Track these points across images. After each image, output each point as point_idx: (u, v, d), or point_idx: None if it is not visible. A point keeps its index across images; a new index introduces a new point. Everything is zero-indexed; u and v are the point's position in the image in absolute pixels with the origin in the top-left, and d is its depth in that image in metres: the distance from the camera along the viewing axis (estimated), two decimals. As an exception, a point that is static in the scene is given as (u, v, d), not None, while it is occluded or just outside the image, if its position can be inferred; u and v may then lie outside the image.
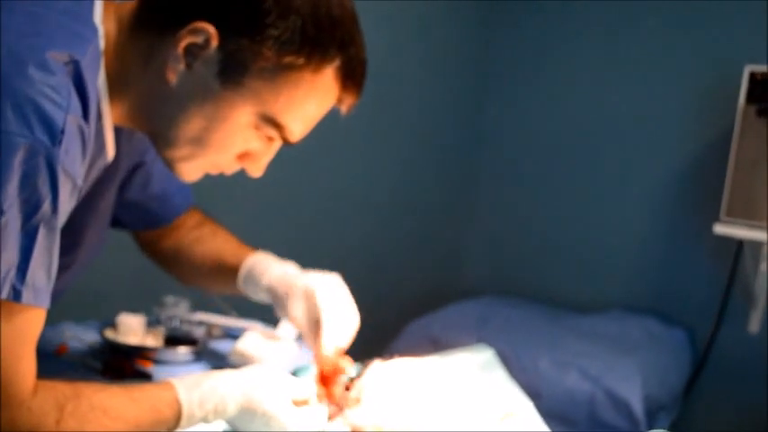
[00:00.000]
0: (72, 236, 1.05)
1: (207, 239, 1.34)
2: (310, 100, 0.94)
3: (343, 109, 1.00)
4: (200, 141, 0.94)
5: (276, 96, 0.92)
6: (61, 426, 0.83)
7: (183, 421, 0.94)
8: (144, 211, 1.29)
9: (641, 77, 2.59)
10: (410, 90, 2.73)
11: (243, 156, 0.99)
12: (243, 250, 1.31)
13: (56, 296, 0.90)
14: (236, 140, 0.95)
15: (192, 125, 0.92)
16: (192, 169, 0.98)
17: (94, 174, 1.02)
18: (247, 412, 0.97)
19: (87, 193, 1.04)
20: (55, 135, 0.79)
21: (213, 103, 0.91)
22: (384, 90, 2.58)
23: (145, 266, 1.43)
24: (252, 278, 1.26)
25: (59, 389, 0.85)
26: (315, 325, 1.18)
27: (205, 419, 0.96)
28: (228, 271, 1.29)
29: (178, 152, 0.95)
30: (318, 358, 1.15)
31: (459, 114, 2.96)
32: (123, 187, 1.21)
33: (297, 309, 1.20)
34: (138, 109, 0.95)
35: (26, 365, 0.82)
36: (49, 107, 0.79)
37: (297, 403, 1.01)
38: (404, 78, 2.68)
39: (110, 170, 1.08)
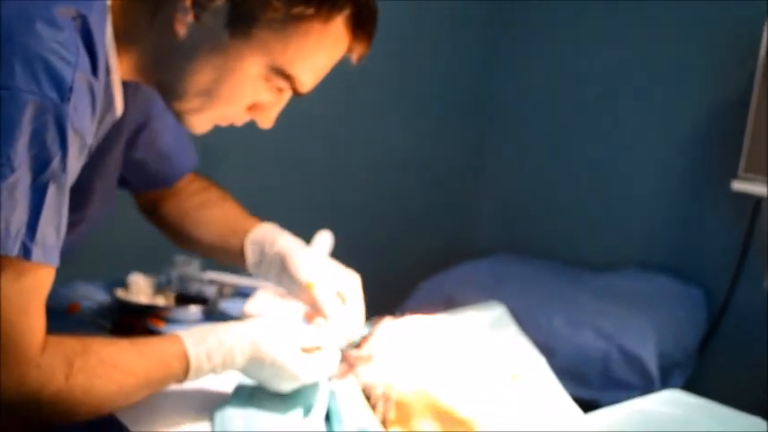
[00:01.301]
0: (80, 193, 1.05)
1: (213, 204, 1.32)
2: (320, 50, 0.93)
3: (354, 58, 0.99)
4: (209, 93, 0.93)
5: (285, 47, 0.91)
6: (70, 381, 0.84)
7: (192, 374, 0.94)
8: (149, 170, 1.28)
9: (659, 33, 2.54)
10: (423, 50, 2.71)
11: (252, 107, 0.98)
12: (250, 219, 1.29)
13: (65, 254, 0.90)
14: (245, 92, 0.94)
15: (201, 77, 0.92)
16: (201, 121, 0.98)
17: (103, 130, 1.01)
18: (255, 362, 0.97)
19: (95, 151, 1.03)
20: (64, 92, 0.78)
21: (222, 55, 0.91)
22: (397, 51, 2.56)
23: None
24: (261, 245, 1.23)
25: (68, 344, 0.86)
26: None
27: (214, 371, 0.96)
28: (234, 238, 1.26)
29: (188, 104, 0.95)
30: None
31: (472, 73, 2.93)
32: (129, 146, 1.20)
33: (318, 277, 1.17)
34: (146, 62, 0.95)
35: (35, 323, 0.83)
36: (57, 63, 0.79)
37: (306, 351, 1.00)
38: (416, 39, 2.65)
39: (117, 127, 1.07)
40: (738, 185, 2.17)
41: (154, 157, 1.25)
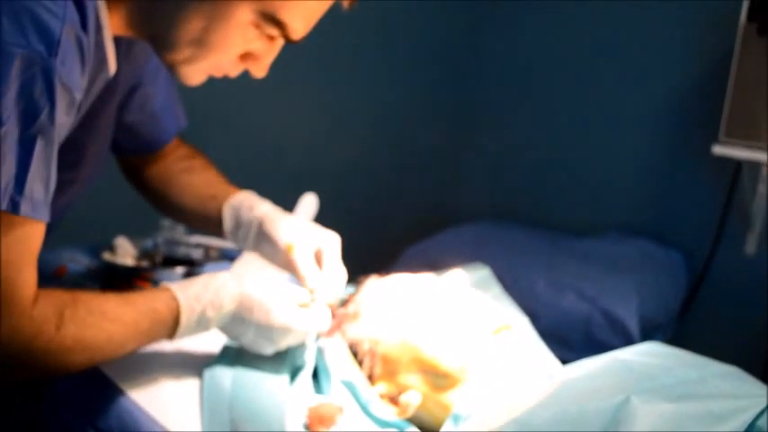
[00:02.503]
0: (74, 152, 1.05)
1: (196, 171, 1.32)
2: None
3: (345, 4, 0.98)
4: (200, 42, 0.92)
5: None
6: (61, 331, 0.85)
7: (183, 316, 0.95)
8: (139, 133, 1.27)
9: (640, -1, 2.55)
10: (408, 14, 2.69)
11: (245, 56, 0.97)
12: (231, 187, 1.28)
13: (59, 214, 0.90)
14: (236, 40, 0.93)
15: (192, 26, 0.91)
16: (194, 72, 0.97)
17: (96, 89, 1.01)
18: (244, 308, 0.98)
19: (88, 110, 1.03)
20: (52, 45, 0.78)
21: (211, 2, 0.90)
22: (384, 14, 2.54)
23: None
24: (239, 211, 1.22)
25: (58, 296, 0.87)
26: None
27: (203, 316, 0.96)
28: (213, 204, 1.26)
29: (180, 54, 0.94)
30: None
31: (457, 38, 2.92)
32: (120, 108, 1.20)
33: (298, 238, 1.16)
34: (136, 14, 0.94)
35: (27, 276, 0.83)
36: (45, 16, 0.78)
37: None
38: (403, 3, 2.63)
39: (110, 88, 1.07)
40: (719, 150, 2.18)
41: (144, 119, 1.25)
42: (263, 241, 1.19)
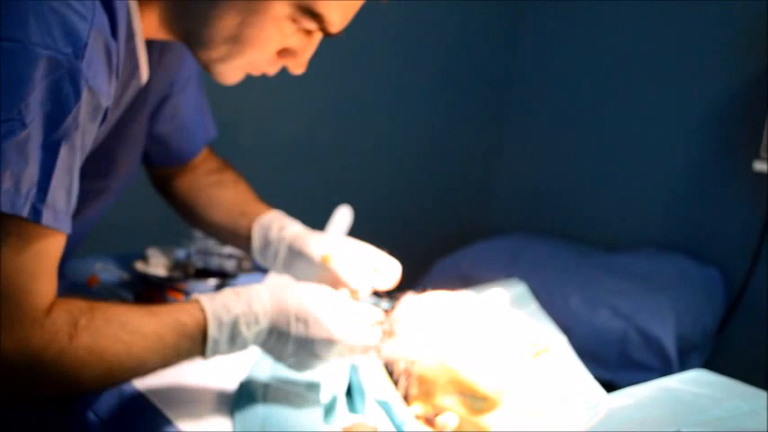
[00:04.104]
0: (105, 161, 1.04)
1: (226, 185, 1.30)
2: None
3: None
4: (235, 39, 0.90)
5: None
6: (74, 342, 0.80)
7: (210, 328, 0.87)
8: (169, 144, 1.27)
9: (680, 12, 2.50)
10: (442, 28, 2.68)
11: (282, 52, 0.95)
12: (261, 205, 1.26)
13: (89, 224, 0.88)
14: (272, 35, 0.91)
15: (227, 22, 0.89)
16: (230, 70, 0.95)
17: (128, 96, 0.99)
18: (281, 319, 0.90)
19: (120, 118, 1.02)
20: (78, 48, 0.76)
21: None
22: (415, 29, 2.53)
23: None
24: (269, 230, 1.20)
25: (74, 304, 0.82)
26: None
27: (236, 329, 0.88)
28: (243, 220, 1.24)
29: (215, 52, 0.92)
30: None
31: (490, 52, 2.90)
32: (151, 119, 1.19)
33: (334, 247, 1.15)
34: (170, 13, 0.92)
35: (42, 286, 0.79)
36: (72, 18, 0.76)
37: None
38: (436, 17, 2.62)
39: (142, 96, 1.06)
40: (759, 166, 2.14)
41: (174, 130, 1.24)
42: (295, 259, 1.16)
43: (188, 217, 1.33)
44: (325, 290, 0.95)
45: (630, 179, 2.66)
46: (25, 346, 0.77)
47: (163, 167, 1.32)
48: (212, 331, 0.87)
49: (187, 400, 0.96)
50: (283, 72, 1.01)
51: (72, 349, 0.79)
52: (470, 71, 2.86)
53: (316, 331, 0.91)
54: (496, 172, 3.01)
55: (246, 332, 0.89)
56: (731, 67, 2.41)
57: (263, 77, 1.02)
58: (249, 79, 1.01)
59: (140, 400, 0.94)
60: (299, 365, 0.94)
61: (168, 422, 0.90)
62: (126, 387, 0.94)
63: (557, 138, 2.84)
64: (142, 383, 0.95)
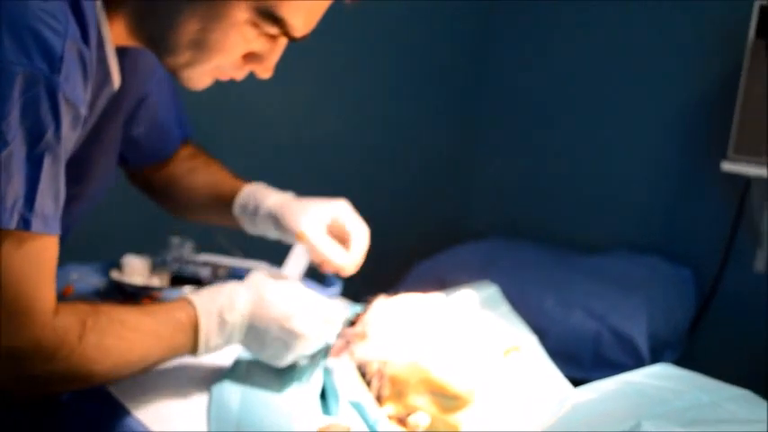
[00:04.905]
0: (79, 167, 1.05)
1: (201, 170, 1.34)
2: None
3: (348, 1, 0.97)
4: (199, 44, 0.91)
5: None
6: (83, 341, 0.85)
7: (202, 319, 0.95)
8: (146, 146, 1.28)
9: (648, 14, 2.54)
10: (414, 29, 2.69)
11: (248, 57, 0.96)
12: (237, 181, 1.32)
13: (66, 230, 0.90)
14: (235, 40, 0.91)
15: (189, 27, 0.90)
16: (197, 76, 0.96)
17: (101, 103, 1.01)
18: (259, 308, 0.99)
19: (94, 125, 1.03)
20: (54, 62, 0.78)
21: (207, 2, 0.88)
22: (389, 30, 2.54)
23: (150, 208, 1.43)
24: (251, 205, 1.26)
25: (79, 307, 0.88)
26: (335, 238, 1.21)
27: (222, 319, 0.96)
28: (224, 200, 1.29)
29: (180, 58, 0.93)
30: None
31: (464, 53, 2.92)
32: (128, 122, 1.21)
33: (308, 223, 1.21)
34: (135, 20, 0.93)
35: (46, 290, 0.84)
36: (47, 33, 0.77)
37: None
38: (408, 17, 2.64)
39: (116, 102, 1.07)
40: (728, 166, 2.17)
41: (151, 131, 1.26)
42: (279, 230, 1.24)
43: (169, 207, 1.38)
44: (298, 287, 1.04)
45: (603, 181, 2.69)
46: (38, 347, 0.82)
47: (140, 167, 1.34)
48: (203, 321, 0.96)
49: (159, 402, 0.99)
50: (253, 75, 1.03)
51: (81, 348, 0.85)
52: (450, 73, 2.87)
53: (288, 325, 0.99)
54: (472, 176, 3.02)
55: (231, 322, 0.98)
56: (700, 68, 2.45)
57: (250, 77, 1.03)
58: (219, 83, 1.02)
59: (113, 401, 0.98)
60: (275, 359, 1.02)
61: (127, 412, 0.97)
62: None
63: (530, 142, 2.87)
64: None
